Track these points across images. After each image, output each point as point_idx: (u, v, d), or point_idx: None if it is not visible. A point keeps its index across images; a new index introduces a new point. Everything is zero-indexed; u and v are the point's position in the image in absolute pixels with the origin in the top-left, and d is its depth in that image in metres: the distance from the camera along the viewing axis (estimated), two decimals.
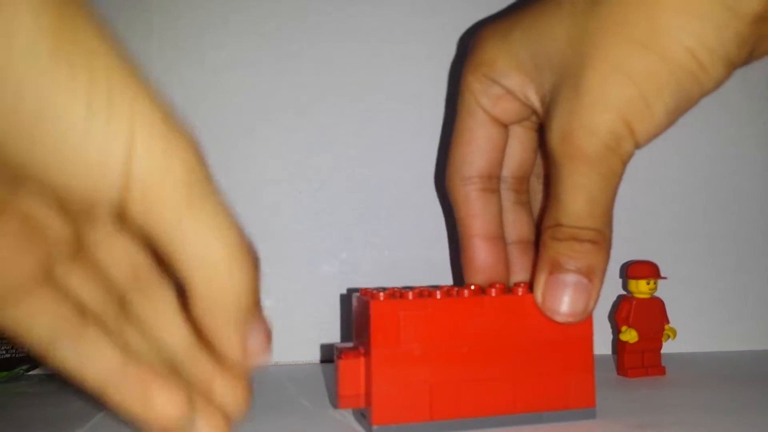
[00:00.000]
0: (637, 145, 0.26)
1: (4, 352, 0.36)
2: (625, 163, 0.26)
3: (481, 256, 0.31)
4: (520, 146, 0.32)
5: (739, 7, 0.24)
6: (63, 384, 0.38)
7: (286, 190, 0.42)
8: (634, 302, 0.37)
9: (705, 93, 0.25)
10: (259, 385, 0.36)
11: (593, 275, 0.27)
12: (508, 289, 0.28)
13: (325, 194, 0.43)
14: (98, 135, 0.16)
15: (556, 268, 0.27)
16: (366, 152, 0.43)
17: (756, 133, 0.46)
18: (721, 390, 0.33)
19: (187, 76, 0.42)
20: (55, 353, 0.20)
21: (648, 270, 0.37)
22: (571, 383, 0.28)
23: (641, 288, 0.37)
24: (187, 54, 0.42)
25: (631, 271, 0.37)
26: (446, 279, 0.43)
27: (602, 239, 0.27)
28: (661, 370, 0.37)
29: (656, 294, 0.37)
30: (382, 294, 0.27)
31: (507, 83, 0.29)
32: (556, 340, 0.28)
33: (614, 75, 0.25)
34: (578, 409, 0.28)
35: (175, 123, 0.18)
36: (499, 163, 0.32)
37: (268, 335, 0.20)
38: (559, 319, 0.27)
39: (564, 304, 0.27)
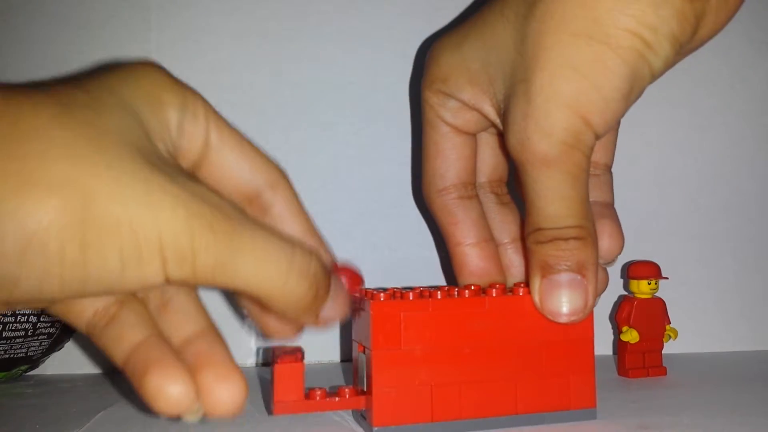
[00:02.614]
0: (597, 136, 0.26)
1: (2, 352, 0.36)
2: (588, 156, 0.26)
3: (473, 261, 0.31)
4: (491, 151, 0.32)
5: None
6: (61, 384, 0.38)
7: None
8: (635, 302, 0.37)
9: (655, 73, 0.25)
10: (257, 384, 0.36)
11: (585, 270, 0.27)
12: (508, 290, 0.28)
13: (325, 194, 0.43)
14: (133, 278, 0.20)
15: (548, 270, 0.27)
16: (366, 152, 0.43)
17: (756, 134, 0.46)
18: (723, 391, 0.33)
19: (186, 76, 0.42)
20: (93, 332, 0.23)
21: (649, 270, 0.37)
22: (572, 384, 0.28)
23: (642, 288, 0.37)
24: (187, 54, 0.42)
25: (632, 271, 0.37)
26: (448, 279, 0.42)
27: (586, 233, 0.26)
28: (662, 371, 0.37)
29: (657, 294, 0.37)
30: (382, 294, 0.27)
31: (462, 97, 0.29)
32: (557, 341, 0.27)
33: (562, 71, 0.25)
34: (579, 409, 0.28)
35: (200, 202, 0.20)
36: (472, 171, 0.32)
37: (343, 301, 0.25)
38: (562, 320, 0.27)
39: (563, 304, 0.27)
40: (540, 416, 0.27)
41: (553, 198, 0.26)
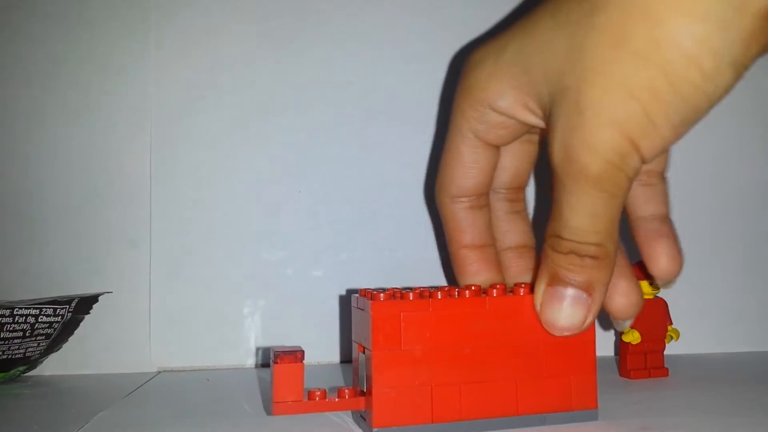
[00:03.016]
0: (644, 161, 0.25)
1: (0, 353, 0.36)
2: (631, 179, 0.25)
3: (474, 266, 0.31)
4: (514, 160, 0.32)
5: (746, 3, 0.22)
6: (59, 385, 0.38)
7: (286, 190, 0.42)
8: None
9: (714, 101, 0.24)
10: (256, 385, 0.36)
11: (593, 290, 0.26)
12: (509, 290, 0.28)
13: (325, 194, 0.42)
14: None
15: (555, 280, 0.26)
16: (366, 152, 0.43)
17: (758, 134, 0.46)
18: (724, 391, 0.33)
19: (186, 76, 0.42)
20: None
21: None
22: (573, 385, 0.27)
23: (644, 289, 0.36)
24: (187, 54, 0.42)
25: (633, 271, 0.37)
26: (448, 278, 0.42)
27: (604, 254, 0.26)
28: (664, 372, 0.37)
29: (659, 295, 0.37)
30: (382, 294, 0.26)
31: (503, 105, 0.28)
32: (558, 342, 0.27)
33: (616, 90, 0.24)
34: (580, 410, 0.27)
35: None
36: (489, 183, 0.32)
37: None
38: (555, 332, 0.27)
39: (561, 317, 0.26)
40: (541, 417, 0.27)
41: (583, 212, 0.26)
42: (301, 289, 0.42)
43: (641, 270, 0.37)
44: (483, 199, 0.32)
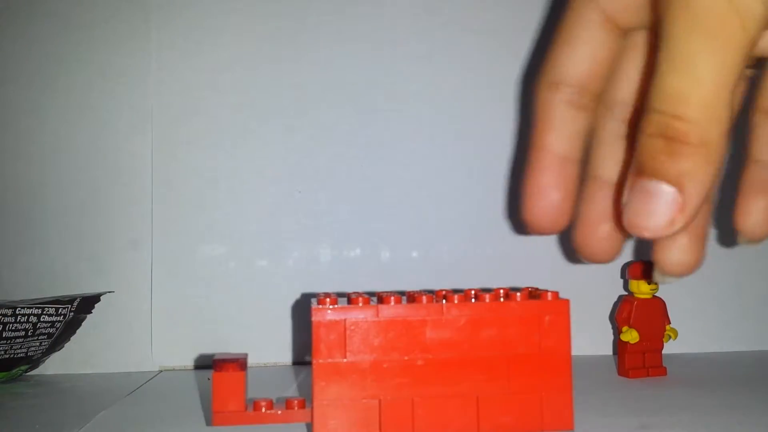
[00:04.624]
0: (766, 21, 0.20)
1: (2, 352, 0.36)
2: (751, 37, 0.20)
3: (546, 177, 0.26)
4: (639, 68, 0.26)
5: None
6: (61, 384, 0.38)
7: (286, 190, 0.42)
8: (635, 302, 0.37)
9: None
10: (258, 384, 0.36)
11: (683, 185, 0.21)
12: (472, 296, 0.26)
13: (325, 194, 0.43)
14: None
15: (641, 170, 0.22)
16: (366, 152, 0.43)
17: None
18: (722, 391, 0.33)
19: (186, 76, 0.42)
20: None
21: (649, 270, 0.37)
22: (545, 402, 0.25)
23: (642, 288, 0.37)
24: (187, 54, 0.42)
25: (632, 271, 0.37)
26: (447, 280, 0.42)
27: (697, 137, 0.20)
28: (662, 371, 0.37)
29: (657, 294, 0.37)
30: (328, 298, 0.25)
31: None
32: (529, 354, 0.25)
33: None
34: (553, 431, 0.25)
35: None
36: (600, 77, 0.26)
37: None
38: (636, 233, 0.22)
39: (640, 214, 0.22)
40: None
41: (679, 66, 0.20)
42: (302, 289, 0.42)
43: (641, 269, 0.37)
44: (587, 97, 0.26)
